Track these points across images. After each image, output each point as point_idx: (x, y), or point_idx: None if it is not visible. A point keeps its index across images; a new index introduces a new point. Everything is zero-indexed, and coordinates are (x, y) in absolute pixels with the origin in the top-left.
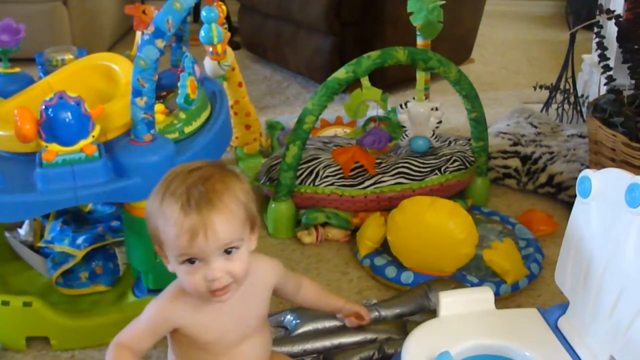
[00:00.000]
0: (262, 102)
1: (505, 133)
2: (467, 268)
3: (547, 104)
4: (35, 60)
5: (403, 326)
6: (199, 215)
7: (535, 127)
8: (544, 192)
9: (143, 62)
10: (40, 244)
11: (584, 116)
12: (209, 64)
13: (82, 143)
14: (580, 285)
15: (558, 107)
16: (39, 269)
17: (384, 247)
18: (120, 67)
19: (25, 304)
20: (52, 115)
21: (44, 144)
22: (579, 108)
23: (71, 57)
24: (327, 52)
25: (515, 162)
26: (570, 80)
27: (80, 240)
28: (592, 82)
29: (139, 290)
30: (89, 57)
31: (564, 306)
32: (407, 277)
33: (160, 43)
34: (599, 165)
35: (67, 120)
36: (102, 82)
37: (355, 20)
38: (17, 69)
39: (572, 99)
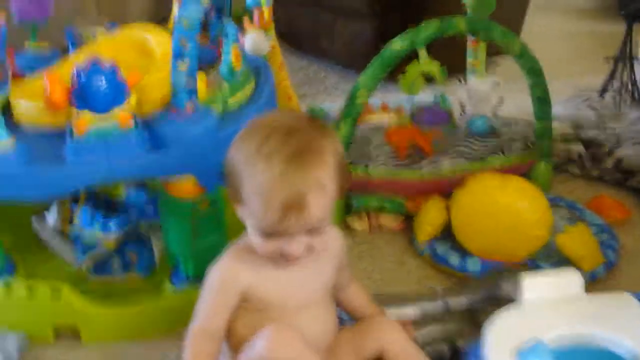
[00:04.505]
0: (300, 91)
1: (565, 117)
2: (537, 256)
3: (603, 91)
4: (65, 35)
5: (474, 317)
6: (294, 193)
7: (596, 109)
8: (611, 178)
9: (186, 22)
10: (69, 230)
11: None
12: (250, 39)
13: (117, 112)
14: None
15: (615, 95)
16: (67, 256)
17: (444, 234)
18: (156, 40)
19: (54, 291)
20: (85, 81)
21: (75, 112)
22: (637, 95)
23: (103, 30)
24: (367, 39)
25: (577, 147)
26: (628, 66)
27: (112, 225)
28: None
29: (177, 279)
30: (122, 30)
31: None
32: (473, 264)
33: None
34: None
35: (101, 86)
36: (137, 57)
37: (399, 2)
38: (46, 44)
39: (630, 86)
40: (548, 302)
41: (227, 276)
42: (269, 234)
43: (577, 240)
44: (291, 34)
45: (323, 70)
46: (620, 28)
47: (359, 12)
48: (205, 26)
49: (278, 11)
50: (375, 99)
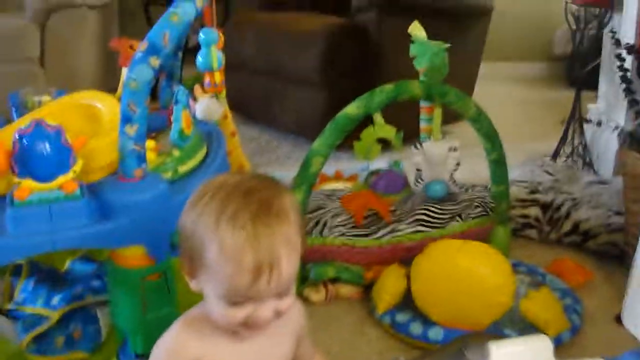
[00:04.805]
0: (253, 161)
1: (520, 181)
2: (501, 322)
3: (556, 155)
4: (9, 102)
5: None
6: (266, 253)
7: (551, 174)
8: (570, 241)
9: (134, 84)
10: (9, 307)
11: (594, 167)
12: (201, 105)
13: (62, 179)
14: None
15: (567, 159)
16: (7, 334)
17: (405, 303)
18: (103, 104)
19: None
20: (27, 144)
21: (16, 180)
22: (588, 159)
23: (48, 98)
24: (319, 107)
25: (535, 211)
26: (577, 131)
27: (56, 300)
28: (600, 133)
29: (124, 356)
30: (69, 96)
31: (638, 353)
32: (435, 334)
33: (154, 61)
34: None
35: (45, 151)
36: (84, 123)
37: (350, 70)
38: None
39: (580, 150)
40: None
41: (175, 347)
42: (238, 300)
43: (541, 305)
44: (242, 104)
45: (275, 139)
46: (567, 95)
47: (311, 81)
48: (154, 93)
49: (229, 80)
50: (329, 167)
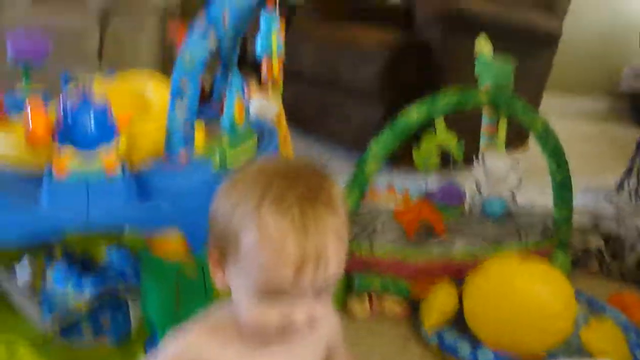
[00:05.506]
0: None
1: (582, 209)
2: (556, 352)
3: (620, 187)
4: (61, 80)
5: None
6: (313, 243)
7: (615, 204)
8: (634, 276)
9: (188, 57)
10: (39, 287)
11: None
12: (255, 103)
13: (103, 155)
14: None
15: (631, 193)
16: (33, 315)
17: (453, 322)
18: (155, 90)
19: (8, 349)
20: (71, 113)
21: (57, 148)
22: None
23: (100, 75)
24: (378, 123)
25: (597, 241)
26: None
27: (86, 284)
28: None
29: (152, 349)
30: (120, 78)
31: None
32: (484, 357)
33: (212, 37)
34: None
35: (88, 121)
36: (133, 107)
37: (411, 86)
38: (39, 85)
39: None
40: None
41: (188, 349)
42: (274, 296)
43: (604, 336)
44: (297, 114)
45: (328, 152)
46: (631, 132)
47: (369, 95)
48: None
49: (285, 90)
50: (381, 182)
